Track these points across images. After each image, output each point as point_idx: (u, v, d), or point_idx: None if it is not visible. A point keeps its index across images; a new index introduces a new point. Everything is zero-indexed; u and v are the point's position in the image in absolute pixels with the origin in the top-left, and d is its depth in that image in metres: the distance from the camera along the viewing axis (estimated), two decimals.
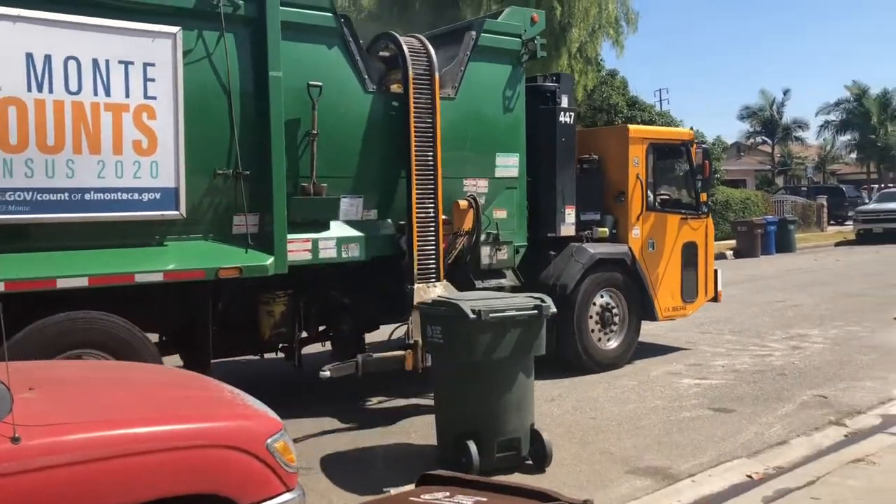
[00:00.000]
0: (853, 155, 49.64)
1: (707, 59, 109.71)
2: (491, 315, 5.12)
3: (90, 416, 2.99)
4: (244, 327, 6.71)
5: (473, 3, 19.99)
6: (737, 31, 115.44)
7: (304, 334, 7.14)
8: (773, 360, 8.78)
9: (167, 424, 3.01)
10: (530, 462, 5.42)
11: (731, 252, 22.74)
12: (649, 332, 9.59)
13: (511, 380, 5.32)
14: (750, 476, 5.20)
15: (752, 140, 53.36)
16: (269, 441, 3.13)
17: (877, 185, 44.62)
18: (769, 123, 50.19)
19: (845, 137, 49.07)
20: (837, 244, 26.59)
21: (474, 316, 5.07)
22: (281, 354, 7.31)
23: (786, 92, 51.16)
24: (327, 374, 6.23)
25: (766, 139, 52.53)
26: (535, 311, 5.36)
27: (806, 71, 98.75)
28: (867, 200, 35.82)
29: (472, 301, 5.25)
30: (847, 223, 33.35)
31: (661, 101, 49.29)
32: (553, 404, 7.08)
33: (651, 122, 26.16)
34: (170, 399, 3.43)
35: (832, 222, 34.06)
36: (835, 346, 9.41)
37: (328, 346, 7.72)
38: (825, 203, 32.80)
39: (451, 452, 5.32)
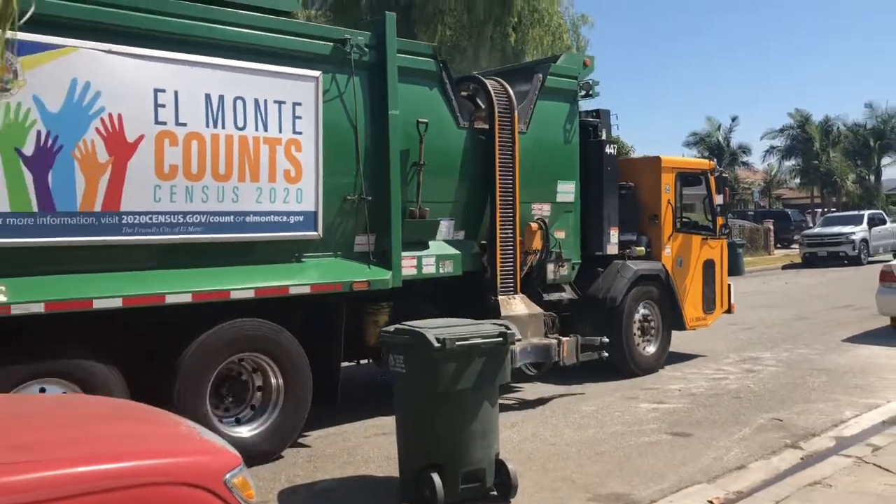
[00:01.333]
0: (797, 180, 51.97)
1: (655, 86, 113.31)
2: (456, 343, 5.00)
3: (24, 456, 2.74)
4: (350, 335, 7.53)
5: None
6: (686, 57, 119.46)
7: None
8: (729, 383, 8.87)
9: (118, 462, 2.83)
10: (495, 493, 5.30)
11: None
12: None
13: (476, 409, 5.17)
14: (711, 501, 5.24)
15: None
16: (227, 476, 2.98)
17: (820, 210, 46.99)
18: (717, 149, 51.46)
19: (790, 163, 51.45)
20: (784, 267, 27.47)
21: (439, 345, 4.94)
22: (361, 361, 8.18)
23: (734, 119, 53.12)
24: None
25: None
26: (500, 339, 5.23)
27: (754, 98, 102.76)
28: (812, 225, 37.80)
29: (435, 329, 5.13)
30: (793, 246, 34.66)
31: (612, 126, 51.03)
32: (513, 430, 6.98)
33: None
34: (122, 435, 3.19)
35: (778, 246, 35.32)
36: (788, 369, 9.57)
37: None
38: (772, 227, 33.95)
39: (414, 485, 5.17)
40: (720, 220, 10.68)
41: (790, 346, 11.26)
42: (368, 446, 6.65)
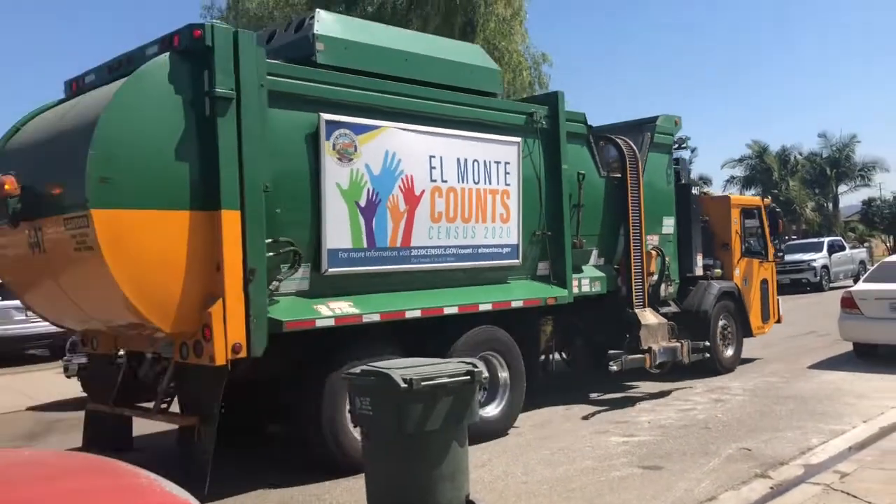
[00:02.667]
0: None
1: (614, 118, 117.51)
2: (423, 383, 4.97)
3: None
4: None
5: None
6: (647, 90, 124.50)
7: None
8: (697, 413, 8.89)
9: None
10: None
11: None
12: (577, 386, 10.46)
13: (444, 450, 5.11)
14: None
15: None
16: None
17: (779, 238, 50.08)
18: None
19: (750, 192, 54.77)
20: None
21: (405, 385, 4.92)
22: None
23: (693, 150, 55.23)
24: (615, 368, 9.23)
25: None
26: (468, 378, 5.21)
27: (713, 129, 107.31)
28: None
29: (402, 370, 5.09)
30: None
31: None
32: (483, 470, 6.94)
33: None
34: (76, 491, 3.02)
35: None
36: (755, 398, 9.64)
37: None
38: None
39: None
40: (771, 248, 13.01)
41: (756, 374, 11.37)
42: (339, 490, 6.61)
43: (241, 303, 6.24)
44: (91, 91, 6.83)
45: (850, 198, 54.36)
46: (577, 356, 10.79)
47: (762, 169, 52.21)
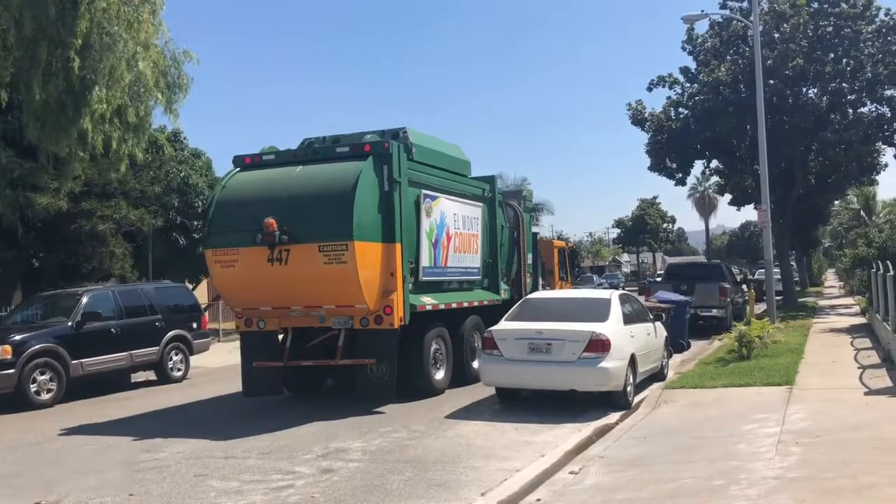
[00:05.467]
0: None
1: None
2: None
3: None
4: None
5: None
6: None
7: None
8: (291, 494, 7.34)
9: None
10: None
11: None
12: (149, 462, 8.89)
13: None
14: None
15: None
16: None
17: None
18: None
19: None
20: None
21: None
22: None
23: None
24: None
25: None
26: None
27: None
28: None
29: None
30: None
31: None
32: None
33: None
34: None
35: None
36: (372, 464, 8.29)
37: None
38: None
39: None
40: (570, 274, 20.27)
41: (388, 427, 10.13)
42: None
43: (401, 295, 11.52)
44: (316, 165, 11.74)
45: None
46: None
47: None
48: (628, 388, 10.94)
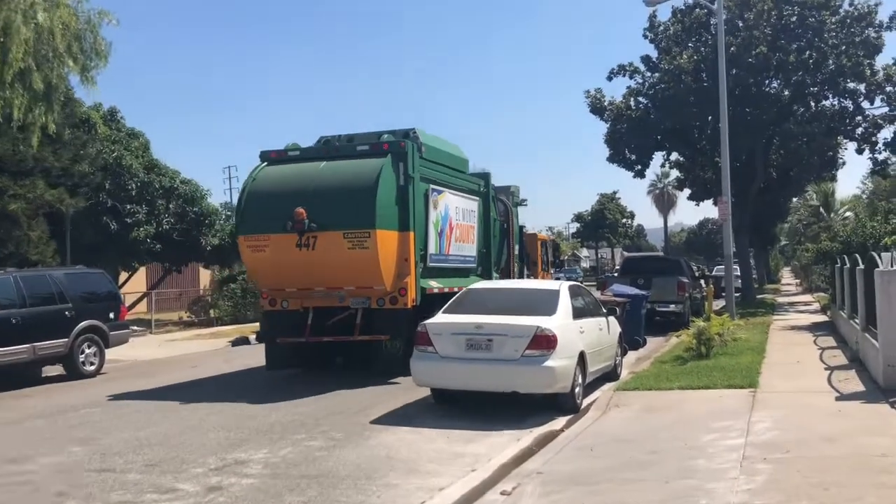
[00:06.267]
0: None
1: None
2: None
3: None
4: None
5: None
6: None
7: None
8: None
9: None
10: None
11: (255, 336, 19.39)
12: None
13: None
14: None
15: None
16: None
17: None
18: None
19: None
20: None
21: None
22: None
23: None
24: None
25: None
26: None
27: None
28: None
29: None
30: None
31: (230, 178, 61.01)
32: None
33: (173, 190, 26.26)
34: None
35: None
36: (272, 479, 7.05)
37: None
38: None
39: None
40: (550, 265, 20.85)
41: (305, 434, 8.88)
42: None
43: (414, 278, 12.81)
44: (337, 161, 13.00)
45: None
46: None
47: None
48: (576, 390, 9.86)
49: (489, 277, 15.89)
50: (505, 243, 17.37)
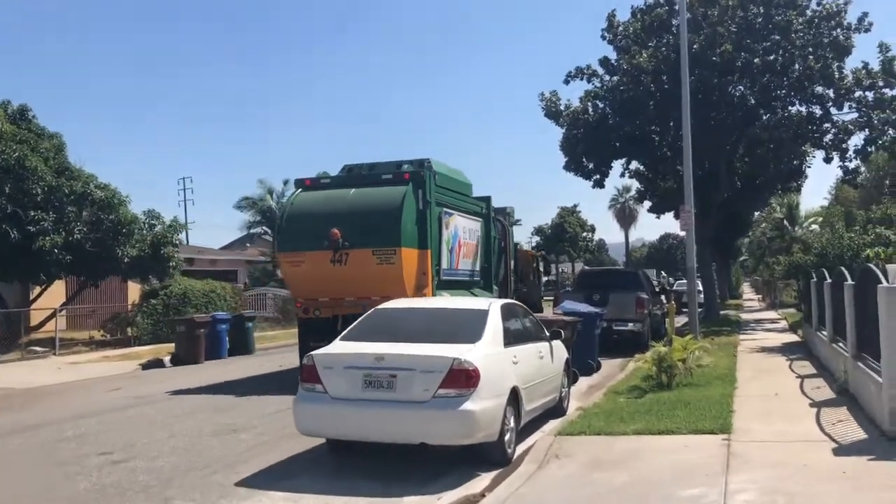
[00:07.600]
0: None
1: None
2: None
3: None
4: None
5: None
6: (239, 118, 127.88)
7: None
8: None
9: None
10: None
11: (169, 357, 19.32)
12: None
13: None
14: None
15: (256, 230, 54.19)
16: None
17: None
18: (269, 213, 50.34)
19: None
20: None
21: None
22: None
23: (286, 182, 51.47)
24: None
25: (266, 229, 51.47)
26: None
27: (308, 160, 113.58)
28: None
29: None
30: None
31: (184, 189, 62.15)
32: None
33: (87, 196, 23.02)
34: None
35: None
36: None
37: None
38: None
39: None
40: (542, 279, 20.66)
41: (147, 499, 6.77)
42: None
43: (431, 289, 14.29)
44: (365, 188, 14.60)
45: None
46: None
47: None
48: (506, 437, 7.79)
49: (490, 290, 17.44)
50: (503, 259, 19.15)
